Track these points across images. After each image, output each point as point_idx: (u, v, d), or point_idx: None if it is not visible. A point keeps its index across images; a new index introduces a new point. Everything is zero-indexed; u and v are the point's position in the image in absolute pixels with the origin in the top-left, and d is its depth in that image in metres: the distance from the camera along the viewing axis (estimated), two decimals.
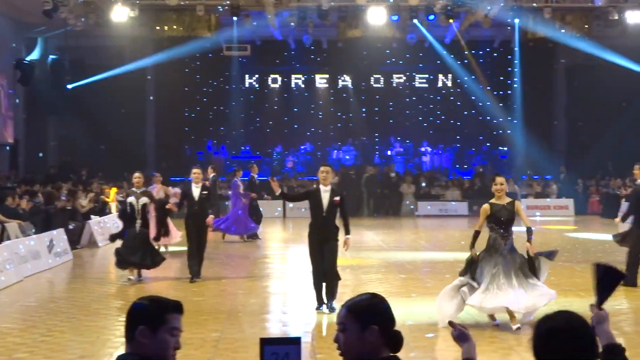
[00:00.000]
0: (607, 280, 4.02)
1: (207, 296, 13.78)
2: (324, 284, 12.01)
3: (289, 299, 14.02)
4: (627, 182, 32.15)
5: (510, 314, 10.71)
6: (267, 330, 11.16)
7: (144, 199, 14.89)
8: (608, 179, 33.76)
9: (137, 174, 15.34)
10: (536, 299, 10.58)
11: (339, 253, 12.23)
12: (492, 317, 11.10)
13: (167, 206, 15.89)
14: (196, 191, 15.08)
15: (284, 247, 22.52)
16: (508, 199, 11.07)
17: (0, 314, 12.68)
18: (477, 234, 11.10)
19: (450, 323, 4.05)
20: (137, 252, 14.74)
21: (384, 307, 3.78)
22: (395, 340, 3.74)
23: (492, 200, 11.00)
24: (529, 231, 11.04)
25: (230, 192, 23.13)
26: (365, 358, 3.70)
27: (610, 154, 33.54)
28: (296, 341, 3.69)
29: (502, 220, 10.82)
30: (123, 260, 14.83)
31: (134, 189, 15.32)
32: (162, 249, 18.42)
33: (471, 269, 10.86)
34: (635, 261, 14.48)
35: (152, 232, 16.16)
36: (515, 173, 35.00)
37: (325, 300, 12.00)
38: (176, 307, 3.79)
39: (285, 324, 11.62)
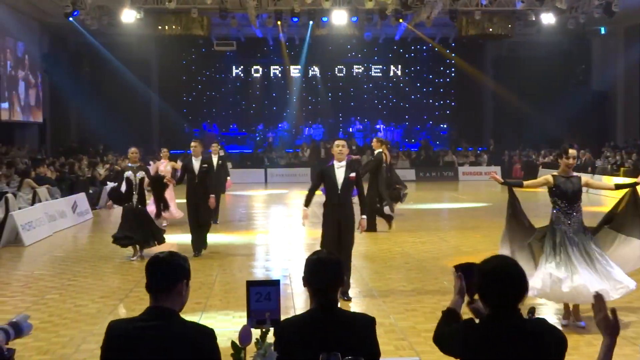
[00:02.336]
0: (468, 276, 3.51)
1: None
2: None
3: (271, 249, 14.01)
4: (543, 152, 32.45)
5: (575, 307, 7.79)
6: (253, 275, 11.21)
7: (141, 174, 12.25)
8: (527, 150, 34.02)
9: (133, 149, 12.54)
10: (610, 290, 7.33)
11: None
12: (575, 314, 7.80)
13: (165, 180, 12.91)
14: (196, 164, 12.48)
15: (266, 206, 22.45)
16: (574, 174, 7.91)
17: (35, 262, 12.69)
18: (519, 183, 8.45)
19: (457, 268, 3.59)
20: (137, 231, 12.16)
21: (308, 264, 3.65)
22: (317, 295, 3.57)
23: (556, 173, 7.95)
24: (623, 186, 8.36)
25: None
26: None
27: (528, 129, 33.76)
28: (276, 283, 3.75)
29: (567, 194, 7.75)
30: (122, 238, 12.27)
31: (129, 164, 12.59)
32: (164, 224, 15.22)
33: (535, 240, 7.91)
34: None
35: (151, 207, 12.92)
36: (452, 145, 35.31)
37: None
38: None
39: (268, 270, 11.67)
